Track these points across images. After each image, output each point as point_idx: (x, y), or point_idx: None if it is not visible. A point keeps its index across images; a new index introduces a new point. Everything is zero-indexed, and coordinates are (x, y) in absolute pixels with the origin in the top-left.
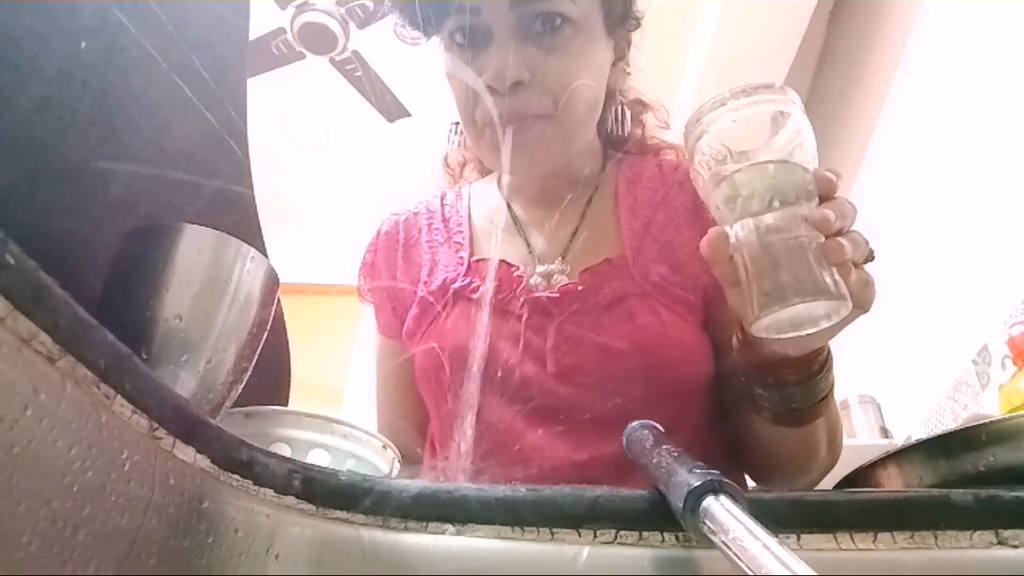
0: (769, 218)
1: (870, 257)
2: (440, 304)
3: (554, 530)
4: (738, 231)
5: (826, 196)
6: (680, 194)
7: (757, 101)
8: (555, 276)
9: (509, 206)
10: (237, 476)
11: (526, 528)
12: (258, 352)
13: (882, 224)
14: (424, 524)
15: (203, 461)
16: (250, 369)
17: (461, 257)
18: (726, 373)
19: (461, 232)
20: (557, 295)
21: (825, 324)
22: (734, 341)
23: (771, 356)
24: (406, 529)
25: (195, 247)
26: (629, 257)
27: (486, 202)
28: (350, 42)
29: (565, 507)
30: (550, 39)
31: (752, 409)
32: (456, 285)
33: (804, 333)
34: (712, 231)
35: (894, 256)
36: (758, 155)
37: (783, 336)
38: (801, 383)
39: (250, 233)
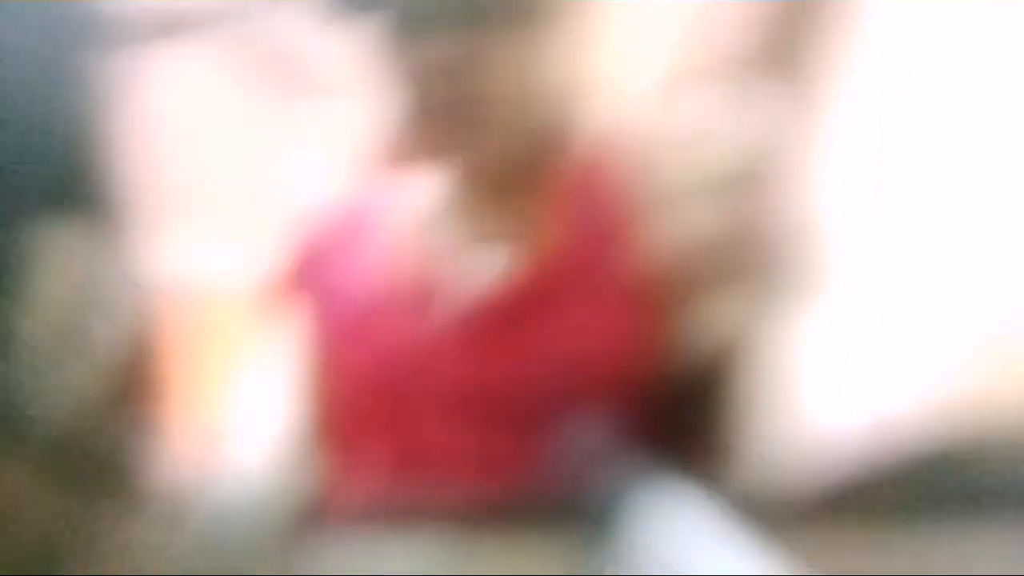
0: None
1: None
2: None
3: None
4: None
5: None
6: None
7: None
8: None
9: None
10: None
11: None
12: None
13: (878, 218)
14: (418, 521)
15: None
16: None
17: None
18: None
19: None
20: (497, 300)
21: None
22: None
23: None
24: (398, 526)
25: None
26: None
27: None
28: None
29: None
30: None
31: None
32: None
33: None
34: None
35: (889, 250)
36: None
37: None
38: None
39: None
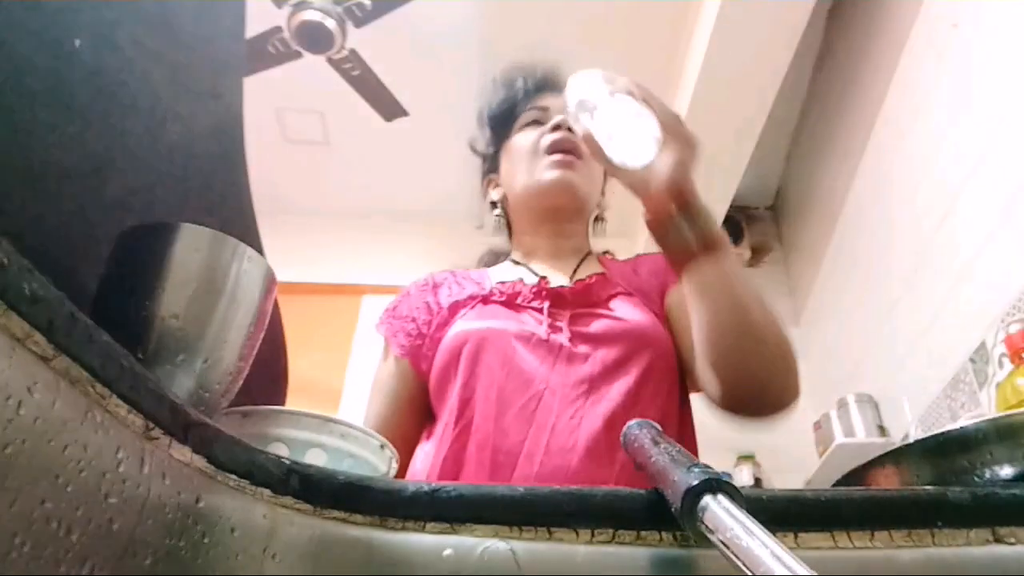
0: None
1: (676, 119)
2: (468, 306)
3: (552, 529)
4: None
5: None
6: (643, 264)
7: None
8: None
9: (522, 264)
10: (234, 476)
11: (523, 528)
12: (255, 351)
13: (879, 221)
14: (422, 524)
15: (199, 461)
16: (247, 368)
17: (483, 285)
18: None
19: (483, 278)
20: (571, 286)
21: (654, 147)
22: (647, 224)
23: (656, 202)
24: (404, 529)
25: (191, 246)
26: (615, 278)
27: (502, 266)
28: (347, 41)
29: (563, 506)
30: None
31: (677, 275)
32: (482, 294)
33: (649, 158)
34: (585, 136)
35: (891, 254)
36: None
37: (638, 164)
38: (685, 212)
39: (247, 232)
